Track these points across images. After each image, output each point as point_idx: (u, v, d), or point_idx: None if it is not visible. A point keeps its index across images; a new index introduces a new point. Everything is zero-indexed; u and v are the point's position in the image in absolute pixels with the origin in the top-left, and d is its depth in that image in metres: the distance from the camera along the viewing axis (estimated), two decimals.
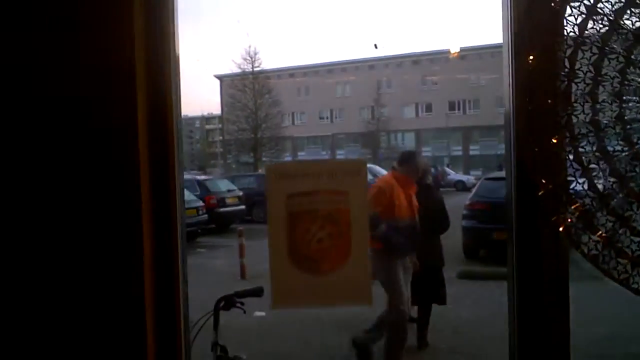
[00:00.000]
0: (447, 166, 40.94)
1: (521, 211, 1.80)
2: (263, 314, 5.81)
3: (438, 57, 54.40)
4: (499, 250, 9.42)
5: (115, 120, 1.71)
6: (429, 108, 58.35)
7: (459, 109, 56.93)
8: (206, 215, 14.14)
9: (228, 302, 2.33)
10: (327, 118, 63.39)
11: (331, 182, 1.74)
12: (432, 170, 29.74)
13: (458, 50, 47.65)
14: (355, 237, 1.74)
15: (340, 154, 58.47)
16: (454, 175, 35.26)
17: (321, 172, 1.75)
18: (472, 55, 52.05)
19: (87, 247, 1.72)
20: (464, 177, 34.76)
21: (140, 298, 1.71)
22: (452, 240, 10.23)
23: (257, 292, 2.18)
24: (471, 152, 54.78)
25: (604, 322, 5.64)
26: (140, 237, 1.70)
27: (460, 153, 55.24)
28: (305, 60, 69.76)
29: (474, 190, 11.67)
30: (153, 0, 1.78)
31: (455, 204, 11.92)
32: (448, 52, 47.84)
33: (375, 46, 72.45)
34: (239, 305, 2.32)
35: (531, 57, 1.75)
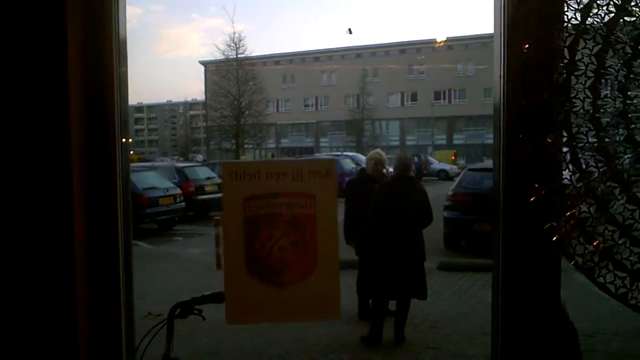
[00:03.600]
0: (430, 155, 40.86)
1: (510, 217, 1.60)
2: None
3: (425, 47, 54.21)
4: (480, 242, 9.30)
5: (44, 106, 1.47)
6: (414, 97, 58.28)
7: (444, 99, 56.90)
8: (183, 203, 13.87)
9: (184, 309, 2.10)
10: (312, 106, 63.11)
11: (296, 184, 1.52)
12: (415, 158, 29.79)
13: (444, 39, 47.36)
14: (323, 244, 1.52)
15: (325, 141, 58.31)
16: (436, 164, 35.15)
17: (285, 172, 1.52)
18: (459, 45, 52.02)
19: (17, 242, 1.50)
20: (446, 166, 34.67)
21: (70, 307, 1.49)
22: (433, 231, 10.10)
23: (217, 298, 1.95)
24: (455, 142, 54.88)
25: (585, 318, 5.55)
26: (71, 235, 1.48)
27: (444, 142, 55.28)
28: (292, 47, 69.16)
29: (456, 180, 11.49)
30: None
31: (438, 193, 11.76)
32: (435, 41, 47.60)
33: (349, 31, 71.96)
34: (196, 312, 2.10)
35: (526, 46, 1.54)
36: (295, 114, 61.19)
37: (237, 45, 40.32)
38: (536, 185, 1.52)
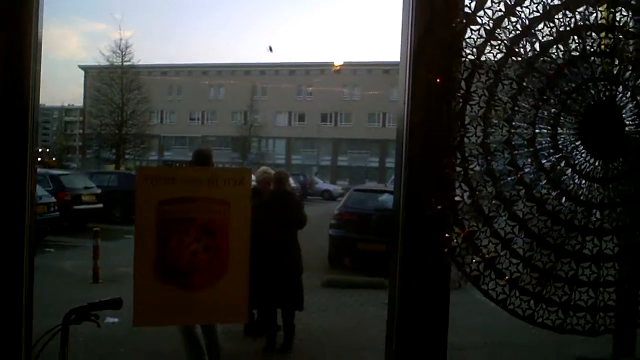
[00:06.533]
0: (315, 175, 41.70)
1: (408, 229, 1.74)
2: (116, 320, 5.39)
3: (314, 69, 55.46)
4: (363, 260, 9.67)
5: None
6: (302, 117, 59.24)
7: (330, 121, 58.38)
8: (57, 213, 13.03)
9: (80, 315, 2.02)
10: (198, 119, 62.05)
11: (211, 190, 1.56)
12: (301, 177, 30.21)
13: (341, 63, 48.62)
14: (235, 250, 1.57)
15: None
16: (321, 184, 35.93)
17: (200, 178, 1.55)
18: (348, 70, 53.71)
19: None
20: (330, 187, 35.55)
21: None
22: (317, 248, 10.34)
23: (115, 304, 1.91)
24: (339, 163, 56.38)
25: (478, 332, 5.96)
26: None
27: (329, 163, 56.62)
28: (180, 59, 67.75)
29: (342, 200, 11.85)
30: None
31: (322, 212, 12.05)
32: (330, 64, 48.66)
33: (270, 49, 71.90)
34: (92, 318, 2.03)
35: (429, 76, 1.70)
36: (180, 127, 59.77)
37: (123, 52, 38.82)
38: (432, 200, 1.67)
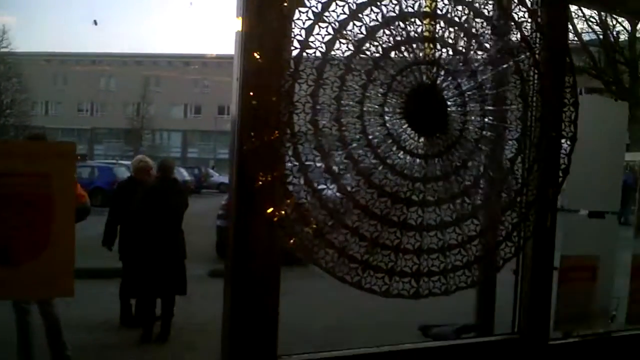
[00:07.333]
0: (212, 168, 41.09)
1: (241, 203, 1.80)
2: None
3: (211, 61, 54.53)
4: None
5: None
6: (198, 110, 58.10)
7: (228, 113, 57.66)
8: None
9: None
10: (87, 111, 59.12)
11: (32, 164, 1.53)
12: (196, 171, 29.67)
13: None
14: (57, 225, 1.55)
15: (100, 149, 54.84)
16: (217, 177, 35.47)
17: (19, 151, 1.52)
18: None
19: None
20: (226, 180, 35.17)
21: None
22: (208, 240, 10.25)
23: None
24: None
25: (332, 314, 6.19)
26: None
27: (226, 156, 55.98)
28: (66, 47, 63.91)
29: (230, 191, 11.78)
30: None
31: (215, 205, 11.94)
32: (230, 56, 47.78)
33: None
34: None
35: (258, 55, 1.77)
36: (68, 118, 56.53)
37: (1, 38, 36.13)
38: (261, 174, 1.75)
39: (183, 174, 25.19)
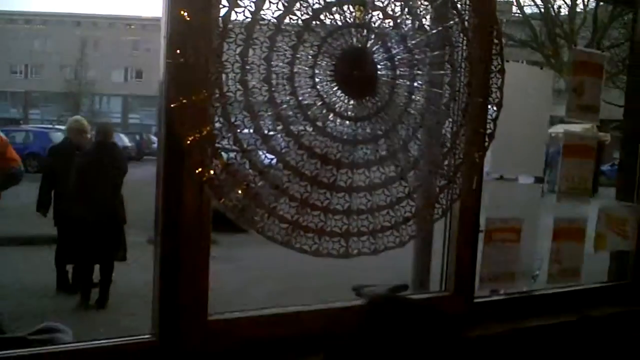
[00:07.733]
0: (155, 134, 40.13)
1: (169, 163, 1.80)
2: None
3: (152, 23, 52.68)
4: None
5: None
6: (139, 74, 56.30)
7: None
8: None
9: None
10: (21, 73, 56.36)
11: None
12: (137, 137, 28.89)
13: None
14: None
15: (35, 113, 52.55)
16: None
17: None
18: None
19: None
20: None
21: None
22: (148, 206, 10.08)
23: None
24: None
25: (278, 280, 6.27)
26: None
27: None
28: None
29: None
30: None
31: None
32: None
33: None
34: None
35: (185, 13, 1.74)
36: (0, 81, 53.80)
37: None
38: (189, 133, 1.74)
39: (124, 140, 24.53)
